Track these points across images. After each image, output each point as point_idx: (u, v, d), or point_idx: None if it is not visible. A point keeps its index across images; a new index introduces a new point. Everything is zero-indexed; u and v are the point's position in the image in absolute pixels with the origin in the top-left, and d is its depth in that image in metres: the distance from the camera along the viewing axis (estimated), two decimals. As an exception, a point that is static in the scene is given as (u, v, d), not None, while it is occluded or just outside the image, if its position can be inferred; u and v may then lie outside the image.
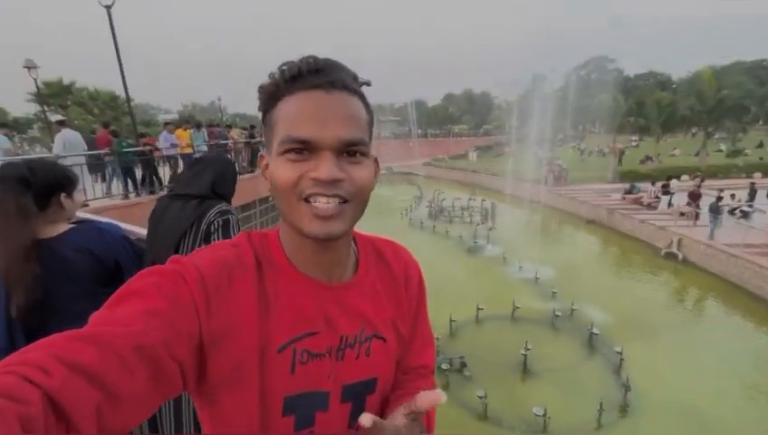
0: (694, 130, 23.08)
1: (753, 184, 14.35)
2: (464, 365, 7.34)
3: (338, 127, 0.51)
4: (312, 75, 0.52)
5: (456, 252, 13.99)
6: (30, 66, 13.73)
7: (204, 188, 1.43)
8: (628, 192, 17.05)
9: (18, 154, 10.52)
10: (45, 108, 21.69)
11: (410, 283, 0.70)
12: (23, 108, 27.98)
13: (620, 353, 7.32)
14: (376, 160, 0.59)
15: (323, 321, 0.58)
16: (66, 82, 26.47)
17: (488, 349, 8.07)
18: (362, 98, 0.56)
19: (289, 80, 0.53)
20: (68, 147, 6.06)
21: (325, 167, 0.50)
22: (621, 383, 6.68)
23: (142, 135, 9.35)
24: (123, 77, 8.55)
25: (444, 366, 7.07)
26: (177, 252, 1.40)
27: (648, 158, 26.40)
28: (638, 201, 16.31)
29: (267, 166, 0.57)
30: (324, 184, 0.50)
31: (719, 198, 11.97)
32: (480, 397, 6.18)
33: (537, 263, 11.89)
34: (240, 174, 11.09)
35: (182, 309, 0.48)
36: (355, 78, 0.56)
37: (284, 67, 0.54)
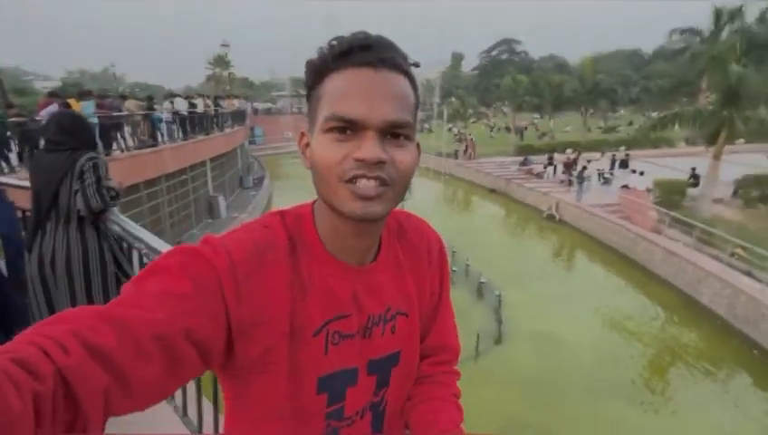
0: (583, 110, 26.69)
1: (613, 156, 17.36)
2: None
3: (385, 107, 0.50)
4: (361, 52, 0.51)
5: (372, 222, 14.88)
6: None
7: (69, 142, 1.81)
8: (523, 164, 19.38)
9: None
10: None
11: (432, 257, 0.70)
12: None
13: (499, 296, 8.81)
14: (418, 145, 0.58)
15: (353, 303, 0.59)
16: None
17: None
18: (411, 79, 0.55)
19: (338, 56, 0.51)
20: None
21: (369, 147, 0.49)
22: (496, 319, 8.13)
23: (9, 105, 8.40)
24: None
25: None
26: (59, 190, 1.78)
27: (545, 134, 29.76)
28: (530, 172, 18.67)
29: (308, 144, 0.56)
30: (368, 165, 0.49)
31: (584, 168, 14.35)
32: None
33: (444, 227, 13.23)
34: (139, 148, 10.54)
35: (208, 293, 0.48)
36: (405, 57, 0.54)
37: (334, 42, 0.52)
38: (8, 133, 7.72)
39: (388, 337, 0.63)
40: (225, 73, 42.82)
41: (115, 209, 1.86)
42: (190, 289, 0.46)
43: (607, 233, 12.45)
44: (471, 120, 36.20)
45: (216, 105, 15.50)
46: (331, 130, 0.50)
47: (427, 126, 39.54)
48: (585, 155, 18.78)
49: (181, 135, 12.65)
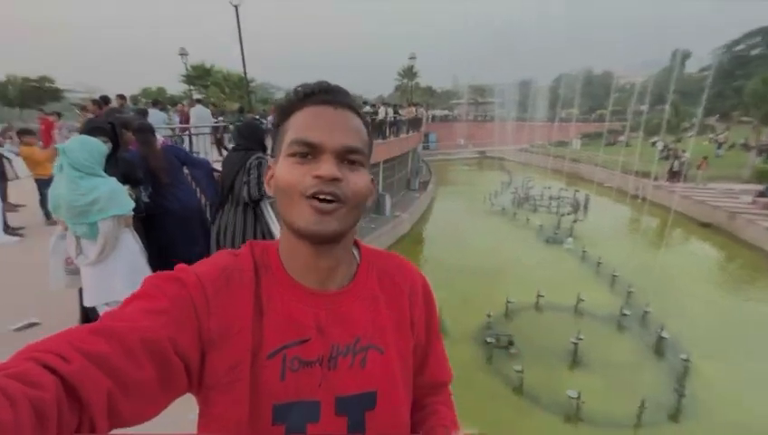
0: None
1: None
2: (511, 343, 7.55)
3: (341, 135, 0.57)
4: (322, 94, 0.59)
5: (531, 240, 13.67)
6: (183, 53, 17.18)
7: (245, 144, 2.35)
8: (762, 194, 14.27)
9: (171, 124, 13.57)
10: (191, 87, 26.68)
11: (415, 295, 0.70)
12: (177, 87, 34.64)
13: (687, 361, 6.81)
14: (372, 180, 0.63)
15: (315, 328, 0.59)
16: (207, 66, 31.97)
17: (542, 334, 8.12)
18: (365, 122, 0.62)
19: (302, 97, 0.59)
20: (198, 119, 7.98)
21: (327, 166, 0.55)
22: (676, 389, 6.29)
23: (241, 110, 11.74)
24: (243, 61, 10.40)
25: (489, 340, 7.42)
26: (234, 181, 2.33)
27: (812, 156, 21.22)
28: (773, 206, 13.63)
29: (273, 175, 0.61)
30: (325, 181, 0.54)
31: None
32: (517, 371, 6.46)
33: (620, 261, 11.07)
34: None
35: (183, 309, 0.52)
36: (359, 104, 0.63)
37: (299, 88, 0.61)
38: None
39: (357, 372, 0.60)
40: (411, 83, 46.56)
41: (267, 201, 2.33)
42: (167, 305, 0.52)
43: None
44: (688, 134, 28.86)
45: (396, 113, 17.05)
46: (293, 154, 0.57)
47: (622, 138, 33.63)
48: None
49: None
